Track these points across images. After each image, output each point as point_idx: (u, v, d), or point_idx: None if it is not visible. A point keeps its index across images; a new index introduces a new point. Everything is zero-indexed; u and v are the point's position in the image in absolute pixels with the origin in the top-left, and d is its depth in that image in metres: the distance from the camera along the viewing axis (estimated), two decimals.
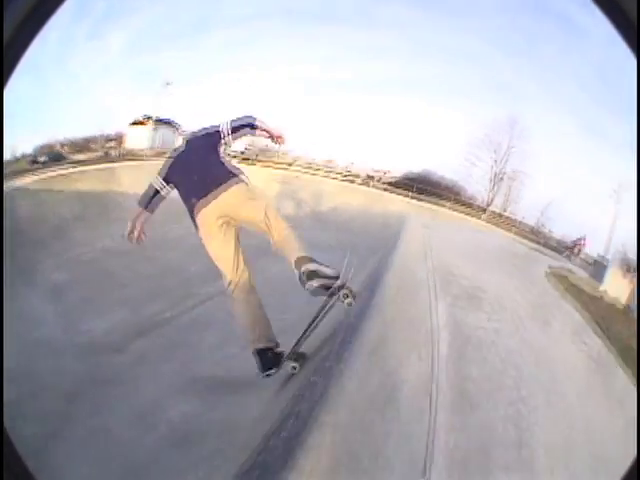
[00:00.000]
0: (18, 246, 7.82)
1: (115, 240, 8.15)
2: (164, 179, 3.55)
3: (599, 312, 5.87)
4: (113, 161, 13.00)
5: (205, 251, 3.47)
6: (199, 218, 3.25)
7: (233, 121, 3.63)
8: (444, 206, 16.77)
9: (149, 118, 14.21)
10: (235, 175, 3.34)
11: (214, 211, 3.21)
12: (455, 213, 17.03)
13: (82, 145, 13.56)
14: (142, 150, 13.32)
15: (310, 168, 13.98)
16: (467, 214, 18.45)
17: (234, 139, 3.64)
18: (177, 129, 14.64)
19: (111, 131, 14.75)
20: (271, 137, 3.82)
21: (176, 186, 3.51)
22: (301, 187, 12.91)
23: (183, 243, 7.62)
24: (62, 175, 10.54)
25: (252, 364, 3.41)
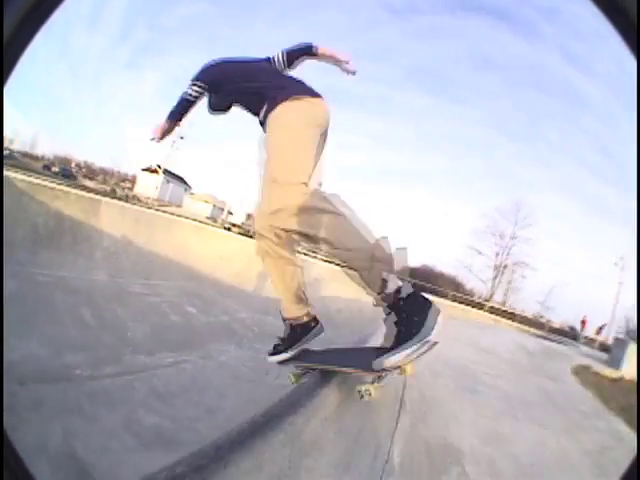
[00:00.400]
0: None
1: (74, 278, 8.68)
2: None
3: None
4: (119, 199, 13.12)
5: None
6: None
7: (287, 48, 3.32)
8: (445, 297, 16.54)
9: (163, 170, 15.15)
10: None
11: None
12: (456, 304, 17.44)
13: (95, 173, 14.31)
14: (148, 198, 14.07)
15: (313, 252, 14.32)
16: (468, 304, 18.69)
17: (290, 67, 3.35)
18: (187, 189, 15.60)
19: (125, 169, 15.35)
20: (338, 61, 3.44)
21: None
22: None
23: (138, 302, 8.01)
24: (48, 188, 10.76)
25: None
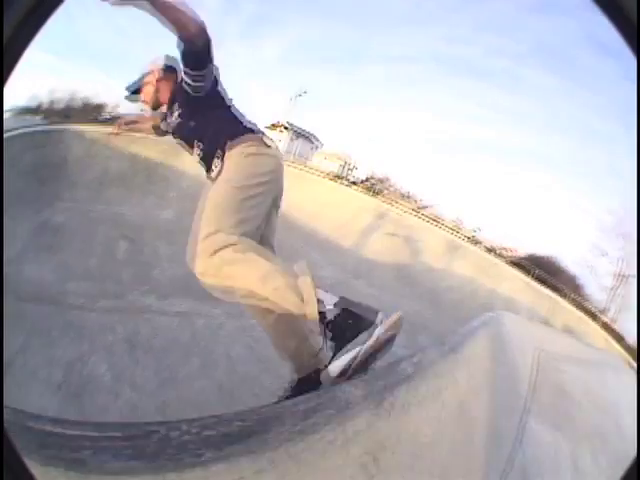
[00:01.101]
0: (52, 178, 8.78)
1: (133, 214, 8.50)
2: None
3: None
4: None
5: None
6: None
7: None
8: (564, 297, 14.58)
9: (289, 126, 13.91)
10: None
11: None
12: (573, 308, 14.67)
13: None
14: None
15: (436, 221, 12.54)
16: (585, 312, 16.08)
17: None
18: (315, 146, 14.10)
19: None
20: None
21: None
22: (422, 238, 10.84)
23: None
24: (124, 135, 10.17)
25: None
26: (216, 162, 2.51)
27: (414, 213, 10.58)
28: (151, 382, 4.07)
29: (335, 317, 2.27)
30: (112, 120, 13.24)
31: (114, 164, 10.11)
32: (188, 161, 8.91)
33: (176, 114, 2.67)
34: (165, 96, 2.75)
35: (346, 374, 2.17)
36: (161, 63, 2.82)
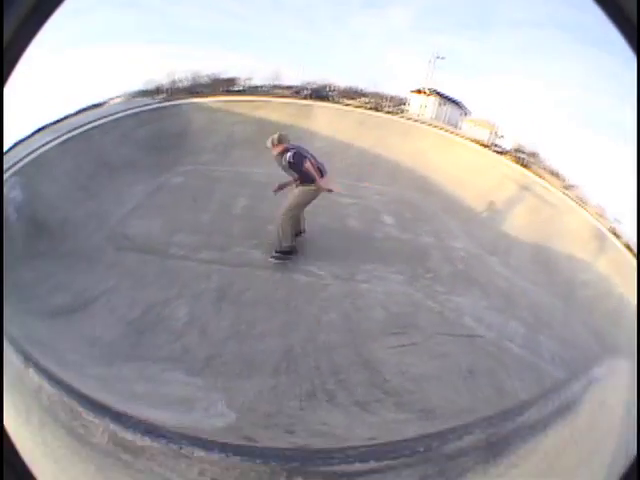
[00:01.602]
0: (172, 146, 9.15)
1: (260, 174, 8.33)
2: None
3: None
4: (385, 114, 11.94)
5: None
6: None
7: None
8: None
9: (435, 92, 12.96)
10: None
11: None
12: None
13: (350, 94, 13.23)
14: (424, 121, 12.04)
15: (581, 204, 10.57)
16: None
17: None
18: (464, 113, 12.94)
19: (386, 91, 14.18)
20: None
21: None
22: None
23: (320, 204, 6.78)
24: (248, 102, 10.84)
25: None
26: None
27: (560, 191, 8.87)
28: (221, 333, 4.07)
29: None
30: (247, 91, 13.47)
31: (239, 128, 10.19)
32: (319, 123, 8.47)
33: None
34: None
35: None
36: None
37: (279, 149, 5.26)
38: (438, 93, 13.91)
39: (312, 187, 5.17)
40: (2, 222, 3.62)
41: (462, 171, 8.38)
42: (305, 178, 5.17)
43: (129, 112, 10.42)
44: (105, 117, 9.83)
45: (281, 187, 5.49)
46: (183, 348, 3.87)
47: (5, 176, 7.00)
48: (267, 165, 9.04)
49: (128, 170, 8.75)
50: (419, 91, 14.30)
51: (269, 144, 5.37)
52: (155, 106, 11.24)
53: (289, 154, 5.15)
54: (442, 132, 9.99)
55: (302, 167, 5.11)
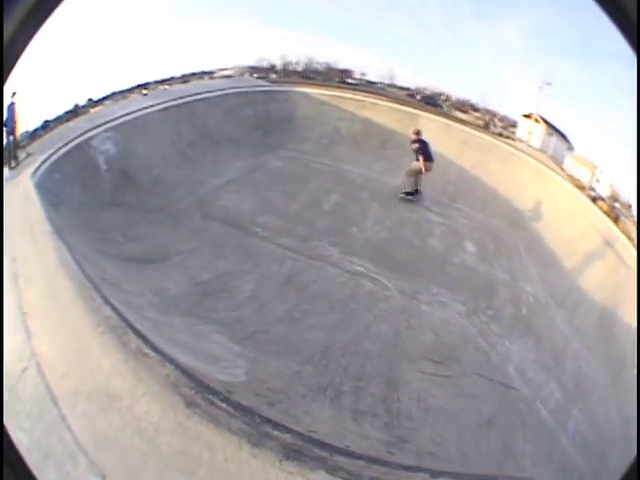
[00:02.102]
0: (277, 130, 9.96)
1: (358, 174, 8.77)
2: None
3: None
4: (486, 133, 11.76)
5: None
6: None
7: None
8: None
9: (544, 120, 12.46)
10: None
11: None
12: None
13: (464, 107, 13.04)
14: (529, 146, 11.70)
15: None
16: None
17: None
18: (569, 148, 12.29)
19: (496, 109, 13.91)
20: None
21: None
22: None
23: (403, 216, 7.74)
24: (356, 100, 11.16)
25: None
26: None
27: None
28: (276, 313, 4.44)
29: None
30: (359, 86, 13.69)
31: (345, 125, 10.65)
32: (426, 134, 8.63)
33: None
34: None
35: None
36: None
37: (415, 137, 8.38)
38: (546, 121, 13.23)
39: (420, 163, 8.11)
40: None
41: (554, 211, 8.15)
42: (420, 157, 8.13)
43: (237, 90, 11.14)
44: (211, 91, 10.58)
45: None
46: (236, 318, 4.26)
47: (97, 130, 7.89)
48: (366, 167, 9.58)
49: (229, 145, 9.55)
50: (528, 116, 13.71)
51: (412, 132, 8.41)
52: (264, 89, 11.86)
53: (418, 144, 8.28)
54: (543, 167, 9.75)
55: (421, 152, 8.14)
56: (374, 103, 11.15)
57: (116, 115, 8.32)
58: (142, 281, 4.58)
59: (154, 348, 2.40)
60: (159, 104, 9.11)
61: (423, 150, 8.31)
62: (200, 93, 10.06)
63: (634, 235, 8.31)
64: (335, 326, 4.34)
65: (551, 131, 13.38)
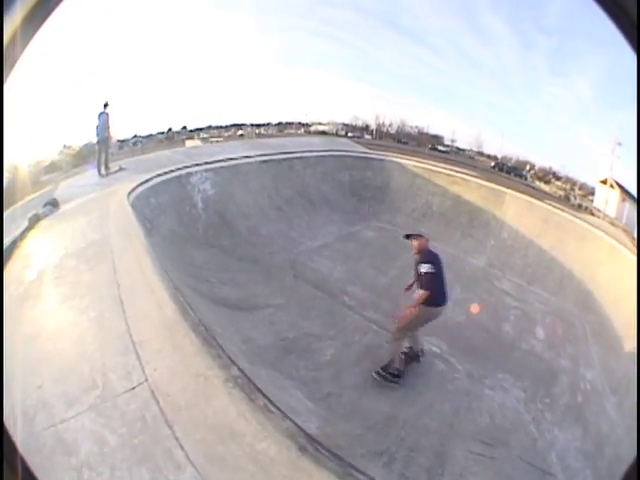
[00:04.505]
0: (371, 198, 11.27)
1: (446, 252, 9.07)
2: None
3: None
4: (575, 212, 12.13)
5: None
6: None
7: None
8: None
9: (617, 183, 12.47)
10: None
11: None
12: None
13: (544, 175, 13.48)
14: (605, 216, 11.80)
15: None
16: None
17: None
18: None
19: (578, 176, 13.98)
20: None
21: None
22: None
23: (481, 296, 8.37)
24: (447, 175, 11.82)
25: None
26: None
27: None
28: (350, 380, 5.17)
29: None
30: (450, 153, 14.33)
31: (437, 200, 11.23)
32: (510, 213, 9.26)
33: None
34: None
35: None
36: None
37: (417, 249, 5.60)
38: (620, 186, 13.04)
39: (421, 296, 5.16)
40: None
41: (624, 292, 8.27)
42: (422, 289, 5.20)
43: (335, 153, 12.13)
44: (310, 151, 11.54)
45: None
46: (314, 378, 4.93)
47: (197, 168, 8.51)
48: (454, 245, 10.18)
49: (324, 208, 10.52)
50: (604, 181, 13.57)
51: (412, 241, 5.65)
52: (361, 155, 12.77)
53: (426, 267, 5.21)
54: (616, 243, 9.76)
55: (425, 282, 5.19)
56: (464, 179, 11.65)
57: (216, 157, 9.08)
58: (232, 327, 5.18)
59: (277, 407, 2.90)
60: (259, 155, 9.86)
61: (429, 278, 5.13)
62: (299, 152, 11.01)
63: None
64: (402, 400, 4.96)
65: (625, 196, 13.22)
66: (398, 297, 6.70)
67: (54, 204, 6.83)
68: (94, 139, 9.66)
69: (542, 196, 12.50)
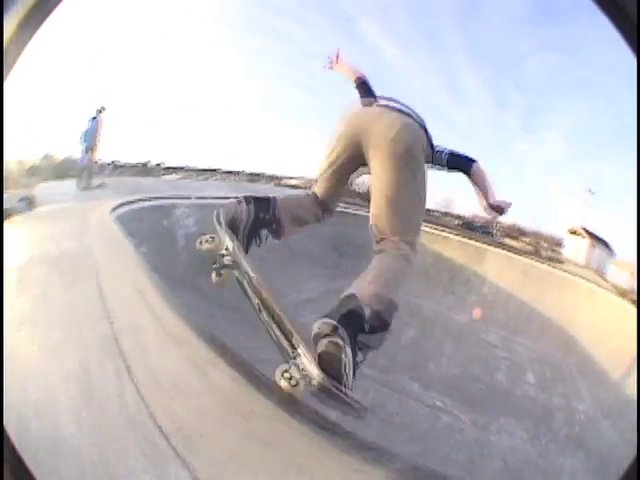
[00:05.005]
0: (352, 255, 10.73)
1: (430, 309, 9.85)
2: None
3: None
4: (541, 261, 12.99)
5: None
6: None
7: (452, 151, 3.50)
8: None
9: (586, 231, 13.43)
10: None
11: None
12: None
13: (515, 233, 14.42)
14: (576, 265, 12.73)
15: None
16: None
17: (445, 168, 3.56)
18: (611, 254, 13.25)
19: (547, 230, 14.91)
20: (483, 196, 3.37)
21: None
22: None
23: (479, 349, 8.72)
24: (427, 232, 12.03)
25: None
26: None
27: None
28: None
29: None
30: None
31: (418, 258, 11.08)
32: (491, 269, 10.00)
33: None
34: None
35: None
36: None
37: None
38: (590, 233, 14.01)
39: None
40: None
41: (603, 331, 9.13)
42: None
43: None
44: None
45: None
46: None
47: (182, 201, 8.08)
48: (437, 302, 10.56)
49: (306, 261, 10.39)
50: (574, 232, 14.52)
51: None
52: (342, 209, 12.63)
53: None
54: (591, 285, 10.85)
55: None
56: (445, 237, 12.34)
57: (201, 194, 8.79)
58: None
59: None
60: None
61: None
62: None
63: None
64: (418, 455, 4.83)
65: (594, 242, 14.19)
66: (393, 354, 6.78)
67: (30, 200, 6.31)
68: (77, 148, 9.00)
69: (517, 252, 13.28)
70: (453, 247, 12.19)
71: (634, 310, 9.59)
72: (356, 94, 3.65)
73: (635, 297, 10.21)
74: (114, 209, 6.37)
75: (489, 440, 5.94)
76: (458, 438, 5.81)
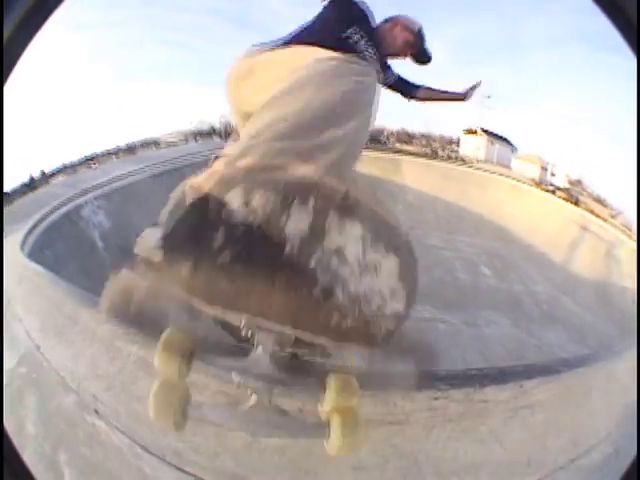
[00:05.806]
0: None
1: None
2: None
3: None
4: (438, 159, 13.71)
5: None
6: None
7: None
8: None
9: (484, 131, 14.43)
10: None
11: None
12: None
13: (406, 138, 14.82)
14: (477, 160, 13.69)
15: (626, 231, 11.45)
16: None
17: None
18: (513, 150, 14.48)
19: (442, 132, 15.62)
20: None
21: None
22: None
23: (427, 254, 8.45)
24: None
25: None
26: None
27: (610, 224, 10.22)
28: None
29: None
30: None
31: None
32: (408, 175, 10.50)
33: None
34: None
35: None
36: None
37: None
38: (486, 131, 15.12)
39: None
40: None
41: (533, 217, 10.33)
42: None
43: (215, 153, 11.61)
44: (193, 154, 10.53)
45: None
46: None
47: (85, 198, 6.93)
48: None
49: None
50: (470, 131, 15.50)
51: None
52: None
53: None
54: (510, 180, 11.83)
55: None
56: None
57: (100, 181, 7.75)
58: None
59: None
60: (145, 168, 8.89)
61: None
62: (183, 157, 10.21)
63: (597, 209, 10.27)
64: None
65: (492, 139, 15.36)
66: None
67: None
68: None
69: (414, 156, 13.47)
70: (369, 164, 11.33)
71: (556, 200, 10.86)
72: None
73: (549, 187, 11.58)
74: (23, 243, 4.60)
75: (484, 333, 6.38)
76: (461, 340, 6.10)
